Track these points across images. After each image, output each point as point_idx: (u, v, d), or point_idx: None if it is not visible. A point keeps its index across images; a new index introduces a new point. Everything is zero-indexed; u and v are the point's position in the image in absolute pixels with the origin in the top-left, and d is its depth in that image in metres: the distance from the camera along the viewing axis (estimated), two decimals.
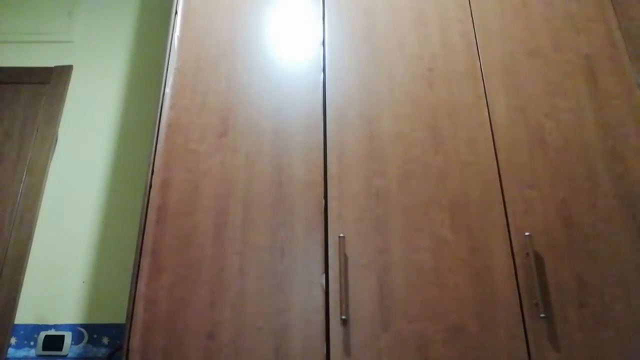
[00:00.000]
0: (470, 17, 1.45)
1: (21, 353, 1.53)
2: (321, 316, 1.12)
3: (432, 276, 1.16)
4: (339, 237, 1.17)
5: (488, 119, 1.32)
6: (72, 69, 1.95)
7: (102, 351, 1.54)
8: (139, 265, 1.17)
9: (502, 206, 1.22)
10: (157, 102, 1.35)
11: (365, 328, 1.11)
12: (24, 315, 1.58)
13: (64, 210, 1.73)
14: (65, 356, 1.53)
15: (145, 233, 1.20)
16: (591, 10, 1.45)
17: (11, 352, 1.53)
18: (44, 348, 1.52)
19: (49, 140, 1.81)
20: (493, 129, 1.31)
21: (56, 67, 1.94)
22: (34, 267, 1.65)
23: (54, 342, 1.53)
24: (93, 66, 1.97)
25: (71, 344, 1.54)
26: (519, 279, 1.15)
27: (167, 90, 1.36)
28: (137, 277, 1.16)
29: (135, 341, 1.10)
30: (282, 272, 1.16)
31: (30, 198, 1.72)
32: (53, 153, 1.81)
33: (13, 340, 1.54)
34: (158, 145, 1.30)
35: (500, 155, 1.28)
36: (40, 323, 1.57)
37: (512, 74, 1.37)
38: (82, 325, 1.57)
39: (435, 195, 1.24)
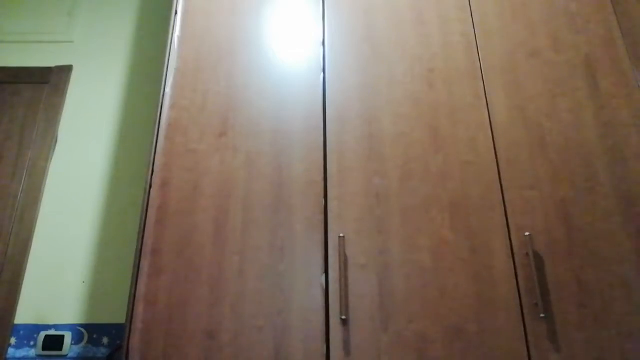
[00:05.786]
0: (470, 17, 1.45)
1: (21, 353, 1.53)
2: (321, 316, 1.12)
3: (432, 276, 1.16)
4: (339, 237, 1.17)
5: (488, 119, 1.32)
6: (72, 69, 1.95)
7: (102, 351, 1.54)
8: (139, 265, 1.17)
9: (502, 206, 1.22)
10: (157, 102, 1.35)
11: (365, 328, 1.11)
12: (24, 315, 1.58)
13: (64, 210, 1.73)
14: (65, 356, 1.53)
15: (145, 233, 1.20)
16: (591, 10, 1.45)
17: (11, 352, 1.53)
18: (44, 348, 1.52)
19: (49, 141, 1.81)
20: (493, 129, 1.31)
21: (56, 67, 1.94)
22: (34, 267, 1.65)
23: (54, 342, 1.53)
24: (93, 66, 1.97)
25: (71, 344, 1.54)
26: (519, 279, 1.15)
27: (167, 90, 1.36)
28: (137, 277, 1.16)
29: (135, 341, 1.10)
30: (282, 272, 1.16)
31: (30, 198, 1.72)
32: (53, 153, 1.81)
33: (13, 340, 1.54)
34: (158, 145, 1.30)
35: (500, 155, 1.28)
36: (40, 323, 1.57)
37: (512, 74, 1.37)
38: (82, 325, 1.57)
39: (435, 195, 1.24)
